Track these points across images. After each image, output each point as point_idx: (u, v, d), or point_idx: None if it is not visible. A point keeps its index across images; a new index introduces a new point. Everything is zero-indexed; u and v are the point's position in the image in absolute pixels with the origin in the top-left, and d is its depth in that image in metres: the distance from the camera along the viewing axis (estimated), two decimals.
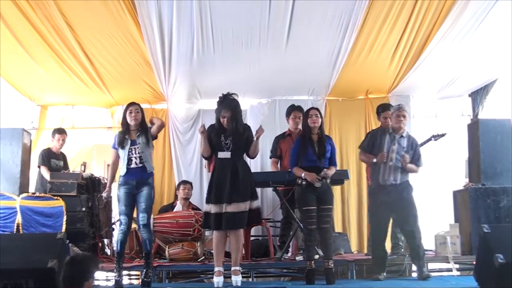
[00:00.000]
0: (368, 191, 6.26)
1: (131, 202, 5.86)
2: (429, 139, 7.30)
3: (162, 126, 6.18)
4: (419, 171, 6.22)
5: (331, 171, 5.95)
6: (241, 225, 5.63)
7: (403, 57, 8.38)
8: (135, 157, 5.85)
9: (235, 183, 5.58)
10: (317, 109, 6.19)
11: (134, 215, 6.16)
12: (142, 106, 6.09)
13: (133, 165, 5.84)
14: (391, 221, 6.36)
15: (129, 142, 5.88)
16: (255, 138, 5.73)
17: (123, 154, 5.89)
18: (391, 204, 6.00)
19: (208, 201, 5.68)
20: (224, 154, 5.68)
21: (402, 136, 6.09)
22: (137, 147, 5.86)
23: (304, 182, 5.89)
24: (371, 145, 6.20)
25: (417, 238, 6.02)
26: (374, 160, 6.05)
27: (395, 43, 8.12)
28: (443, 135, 7.31)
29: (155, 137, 6.10)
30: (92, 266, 4.39)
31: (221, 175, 5.63)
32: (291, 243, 7.22)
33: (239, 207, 5.53)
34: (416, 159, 6.13)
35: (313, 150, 5.93)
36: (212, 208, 5.57)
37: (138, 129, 5.92)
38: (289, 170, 6.26)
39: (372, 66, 8.54)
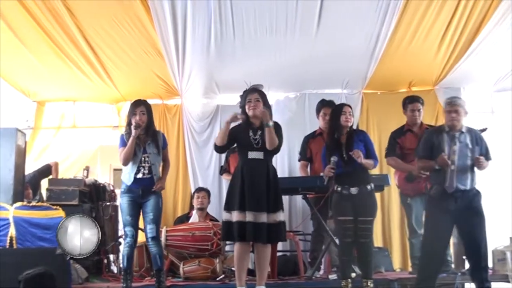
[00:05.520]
0: (428, 199, 6.08)
1: (136, 211, 5.98)
2: None
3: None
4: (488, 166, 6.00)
5: (364, 160, 5.86)
6: (283, 237, 5.74)
7: (453, 44, 8.24)
8: (144, 167, 5.97)
9: (270, 189, 5.57)
10: (350, 106, 6.21)
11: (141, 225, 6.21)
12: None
13: (140, 175, 5.98)
14: None
15: (141, 149, 5.96)
16: (265, 124, 5.59)
17: (131, 160, 5.96)
18: (457, 213, 5.77)
19: (233, 208, 5.58)
20: (255, 154, 5.64)
21: (462, 132, 5.89)
22: (148, 157, 5.98)
23: (339, 189, 5.87)
24: (429, 149, 5.98)
25: (484, 254, 5.81)
26: (437, 167, 5.85)
27: (443, 27, 8.00)
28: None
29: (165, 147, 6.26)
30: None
31: (253, 178, 5.57)
32: (323, 259, 7.19)
33: (279, 217, 5.56)
34: (484, 154, 5.91)
35: (340, 155, 5.90)
36: (247, 216, 5.49)
37: (148, 135, 6.01)
38: (321, 174, 6.24)
39: (416, 54, 8.43)
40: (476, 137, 5.93)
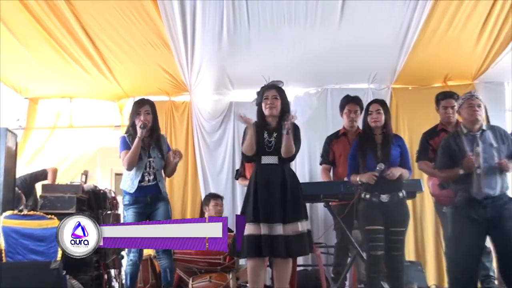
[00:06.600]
0: (452, 208, 5.95)
1: None
2: None
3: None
4: None
5: (398, 171, 5.82)
6: (306, 250, 5.68)
7: (495, 32, 8.08)
8: (149, 173, 6.09)
9: (287, 197, 5.51)
10: (380, 102, 6.16)
11: None
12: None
13: (145, 183, 6.06)
14: None
15: (146, 153, 6.03)
16: (284, 132, 5.52)
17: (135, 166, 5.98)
18: (487, 223, 5.55)
19: (248, 219, 5.49)
20: (269, 159, 5.63)
21: (483, 131, 5.69)
22: (153, 161, 6.11)
23: (367, 196, 5.82)
24: (449, 158, 5.79)
25: None
26: (461, 172, 5.64)
27: (484, 13, 7.85)
28: None
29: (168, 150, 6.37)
30: None
31: (267, 186, 5.52)
32: (348, 275, 7.17)
33: (299, 227, 5.50)
34: (510, 155, 5.69)
35: (373, 155, 5.85)
36: (262, 229, 5.44)
37: (152, 137, 6.09)
38: (345, 180, 6.27)
39: (452, 44, 8.29)
40: (501, 134, 5.73)
